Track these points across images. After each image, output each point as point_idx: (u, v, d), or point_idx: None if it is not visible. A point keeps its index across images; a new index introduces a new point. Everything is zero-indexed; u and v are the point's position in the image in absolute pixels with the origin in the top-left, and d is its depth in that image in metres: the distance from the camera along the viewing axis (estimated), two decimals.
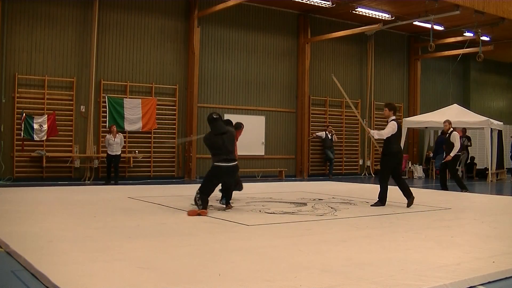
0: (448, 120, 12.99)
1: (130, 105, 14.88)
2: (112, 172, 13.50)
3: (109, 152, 13.43)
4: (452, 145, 12.45)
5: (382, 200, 9.08)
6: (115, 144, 13.42)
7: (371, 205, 9.09)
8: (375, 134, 9.17)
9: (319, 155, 18.57)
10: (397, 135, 9.10)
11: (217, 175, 7.86)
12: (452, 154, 12.41)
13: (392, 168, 9.14)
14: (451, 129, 12.63)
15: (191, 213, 7.50)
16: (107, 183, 13.30)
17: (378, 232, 6.34)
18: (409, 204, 8.96)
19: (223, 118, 8.58)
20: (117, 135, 13.55)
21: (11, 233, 5.71)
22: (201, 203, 7.64)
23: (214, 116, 7.98)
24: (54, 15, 13.96)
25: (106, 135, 13.68)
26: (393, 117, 9.09)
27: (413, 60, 21.19)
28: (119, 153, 13.56)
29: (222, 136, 7.88)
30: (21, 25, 13.53)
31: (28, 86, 13.65)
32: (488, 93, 24.71)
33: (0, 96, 13.32)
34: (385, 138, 8.97)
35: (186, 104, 15.90)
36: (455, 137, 12.45)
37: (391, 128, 8.95)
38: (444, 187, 12.81)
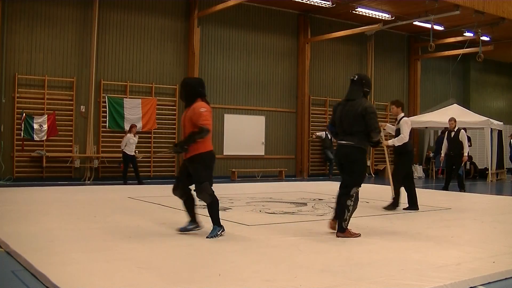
0: (453, 117, 12.78)
1: (130, 105, 14.88)
2: (127, 172, 13.48)
3: (128, 152, 13.32)
4: (459, 144, 12.28)
5: (414, 204, 8.55)
6: (134, 144, 13.42)
7: (403, 208, 8.46)
8: (396, 141, 8.41)
9: (319, 155, 18.57)
10: (410, 132, 8.50)
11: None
12: (465, 153, 12.27)
13: (410, 167, 8.71)
14: (457, 127, 12.48)
15: (342, 235, 5.82)
16: (125, 183, 13.23)
17: (378, 232, 6.33)
18: (409, 208, 8.46)
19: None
20: (136, 135, 13.57)
21: (11, 233, 5.71)
22: (349, 213, 5.82)
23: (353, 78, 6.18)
24: (54, 15, 13.96)
25: (127, 134, 13.54)
26: (403, 114, 8.59)
27: (413, 60, 21.19)
28: (134, 153, 13.55)
29: None
30: (21, 25, 13.53)
31: (28, 86, 13.65)
32: (488, 93, 24.71)
33: (0, 96, 13.32)
34: (407, 140, 8.36)
35: None
36: (464, 136, 12.30)
37: (407, 125, 8.40)
38: (446, 188, 12.67)
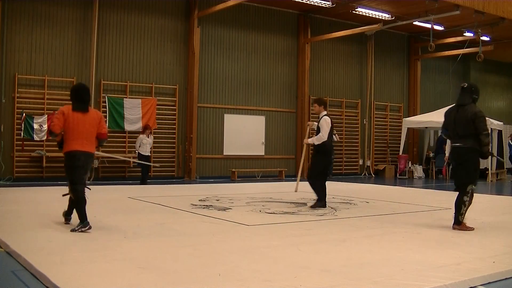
0: None
1: (130, 105, 14.88)
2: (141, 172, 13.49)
3: (142, 153, 13.27)
4: None
5: (322, 200, 8.56)
6: (148, 144, 13.41)
7: (310, 206, 8.58)
8: (315, 140, 8.44)
9: None
10: (331, 131, 8.47)
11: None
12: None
13: (326, 166, 8.63)
14: None
15: (458, 228, 6.59)
16: (143, 183, 13.24)
17: (378, 232, 6.34)
18: (314, 206, 8.53)
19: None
20: (150, 135, 13.56)
21: (11, 233, 5.71)
22: (465, 207, 6.59)
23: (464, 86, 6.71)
24: (54, 15, 13.96)
25: (140, 135, 13.53)
26: (325, 112, 8.53)
27: (413, 60, 21.18)
28: (149, 154, 13.49)
29: None
30: (21, 25, 13.53)
31: (28, 86, 13.64)
32: (488, 93, 24.68)
33: (0, 96, 13.33)
34: (326, 139, 8.35)
35: (186, 104, 15.90)
36: None
37: (327, 124, 8.37)
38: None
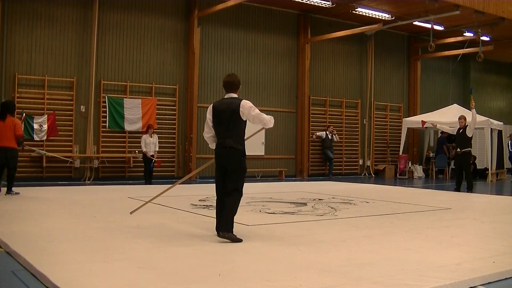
0: (463, 115, 13.00)
1: (130, 105, 14.88)
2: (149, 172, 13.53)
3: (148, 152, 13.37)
4: (467, 140, 12.42)
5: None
6: (152, 144, 13.41)
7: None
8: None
9: (319, 155, 18.57)
10: (217, 123, 5.72)
11: None
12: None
13: (219, 171, 5.83)
14: (467, 124, 12.60)
15: None
16: (147, 183, 13.32)
17: (378, 232, 6.33)
18: (221, 233, 5.49)
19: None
20: (153, 135, 13.55)
21: (11, 233, 5.71)
22: None
23: None
24: (54, 15, 13.97)
25: (142, 135, 13.62)
26: (228, 95, 5.83)
27: (413, 60, 21.18)
28: (153, 153, 13.46)
29: None
30: (21, 25, 13.54)
31: (28, 86, 13.65)
32: (488, 93, 24.70)
33: (0, 96, 13.32)
34: (204, 136, 6.02)
35: (186, 104, 15.90)
36: (469, 129, 12.46)
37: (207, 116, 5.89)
38: (458, 188, 12.51)
